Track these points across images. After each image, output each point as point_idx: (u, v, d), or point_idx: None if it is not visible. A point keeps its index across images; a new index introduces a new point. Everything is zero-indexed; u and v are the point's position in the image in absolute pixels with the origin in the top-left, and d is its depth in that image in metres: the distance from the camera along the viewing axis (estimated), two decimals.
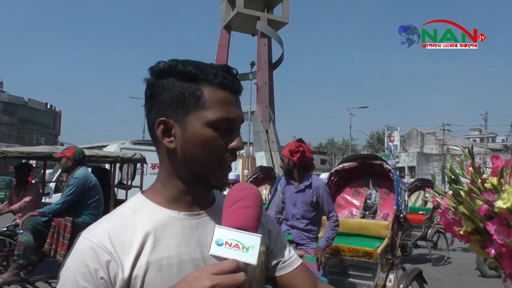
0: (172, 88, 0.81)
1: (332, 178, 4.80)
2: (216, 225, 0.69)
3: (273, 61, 20.83)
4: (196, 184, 0.85)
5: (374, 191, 4.85)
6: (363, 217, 4.71)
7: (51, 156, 5.17)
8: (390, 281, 3.90)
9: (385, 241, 3.94)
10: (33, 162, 7.08)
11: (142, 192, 0.88)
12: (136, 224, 0.79)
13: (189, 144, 0.81)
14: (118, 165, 6.69)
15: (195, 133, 0.80)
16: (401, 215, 4.08)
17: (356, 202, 4.82)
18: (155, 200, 0.84)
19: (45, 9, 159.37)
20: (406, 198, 4.29)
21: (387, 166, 4.38)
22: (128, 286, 0.75)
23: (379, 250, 3.84)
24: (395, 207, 4.08)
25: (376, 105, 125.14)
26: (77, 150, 4.36)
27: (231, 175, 6.60)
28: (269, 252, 0.97)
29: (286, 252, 1.00)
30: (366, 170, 4.74)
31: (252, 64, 20.78)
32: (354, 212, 4.76)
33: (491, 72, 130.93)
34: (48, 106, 51.94)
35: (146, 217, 0.81)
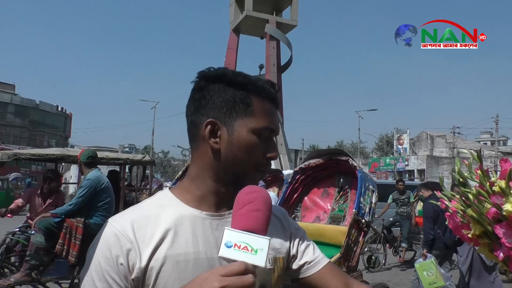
0: (223, 93, 0.87)
1: (298, 176, 4.34)
2: (226, 228, 0.70)
3: (282, 64, 20.81)
4: (230, 184, 0.88)
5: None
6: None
7: (62, 158, 5.24)
8: None
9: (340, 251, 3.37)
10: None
11: (170, 188, 0.93)
12: (160, 219, 0.83)
13: (234, 147, 0.86)
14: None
15: (240, 137, 0.86)
16: (363, 220, 3.52)
17: (324, 204, 4.30)
18: (182, 197, 0.88)
19: (57, 13, 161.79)
20: (373, 200, 3.76)
21: (353, 162, 3.98)
22: (144, 276, 0.79)
23: None
24: (354, 210, 3.53)
25: (385, 108, 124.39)
26: (84, 153, 4.42)
27: None
28: (290, 258, 0.99)
29: (311, 252, 1.01)
30: (336, 167, 4.26)
31: (261, 67, 20.77)
32: (321, 216, 4.23)
33: (503, 74, 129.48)
34: (59, 109, 52.54)
35: (170, 213, 0.85)
